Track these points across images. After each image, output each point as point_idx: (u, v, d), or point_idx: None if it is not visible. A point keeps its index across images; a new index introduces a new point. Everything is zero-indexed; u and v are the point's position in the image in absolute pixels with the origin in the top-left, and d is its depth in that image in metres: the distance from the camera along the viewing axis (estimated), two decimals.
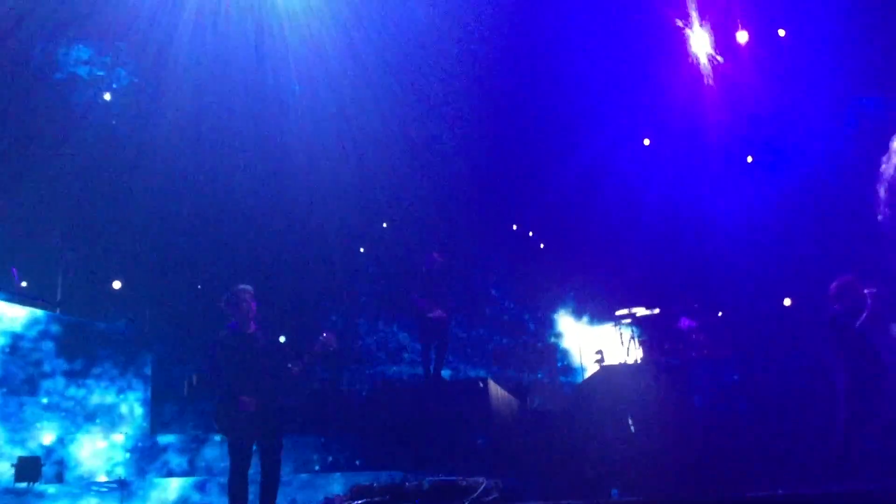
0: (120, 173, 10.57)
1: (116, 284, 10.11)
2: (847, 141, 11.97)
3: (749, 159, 13.17)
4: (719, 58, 12.47)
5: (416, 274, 10.31)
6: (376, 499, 5.36)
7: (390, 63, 11.82)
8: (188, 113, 10.66)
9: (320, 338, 7.03)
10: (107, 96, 10.78)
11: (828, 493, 6.27)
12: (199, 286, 11.10)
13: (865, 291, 7.39)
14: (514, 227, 14.22)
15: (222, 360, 6.75)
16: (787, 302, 11.93)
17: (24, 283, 9.47)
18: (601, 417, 9.24)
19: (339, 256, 12.52)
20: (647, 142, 13.66)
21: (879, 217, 11.48)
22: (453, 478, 5.83)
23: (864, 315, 7.29)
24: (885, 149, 11.93)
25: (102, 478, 8.11)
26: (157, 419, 9.27)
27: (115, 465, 8.30)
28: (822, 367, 8.04)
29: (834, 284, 7.59)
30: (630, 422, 8.93)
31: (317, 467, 9.14)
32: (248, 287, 7.04)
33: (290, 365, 6.94)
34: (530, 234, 14.29)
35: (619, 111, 12.89)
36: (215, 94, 10.83)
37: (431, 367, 10.28)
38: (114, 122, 10.84)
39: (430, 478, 5.82)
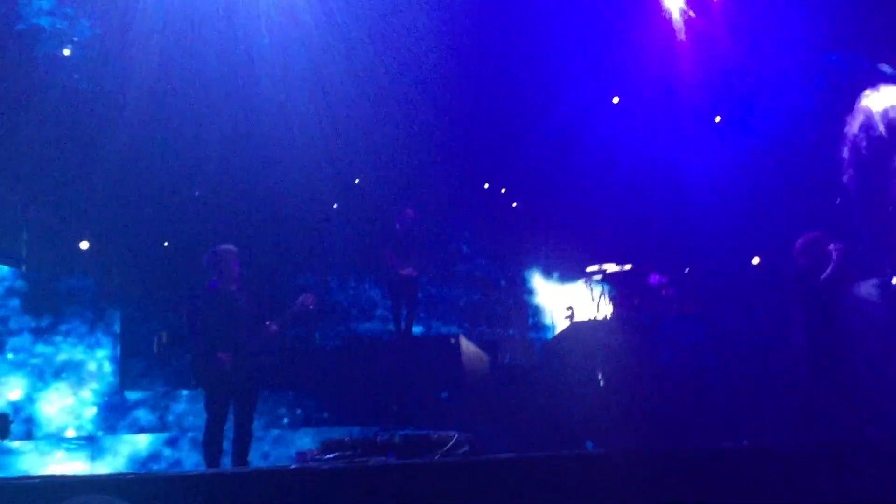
0: (85, 129, 10.36)
1: (84, 245, 9.95)
2: (814, 97, 12.01)
3: (717, 119, 13.18)
4: (691, 13, 12.43)
5: (388, 231, 10.29)
6: (348, 452, 5.38)
7: (361, 16, 11.63)
8: (155, 66, 10.44)
9: (299, 298, 7.09)
10: (67, 50, 10.51)
11: (790, 443, 6.40)
12: (166, 244, 10.98)
13: (831, 247, 7.48)
14: (486, 186, 14.16)
15: (202, 317, 6.77)
16: (755, 260, 12.04)
17: None
18: (571, 372, 9.32)
19: (310, 213, 12.43)
20: (616, 100, 13.62)
21: (844, 178, 11.59)
22: (424, 431, 5.86)
23: (829, 271, 7.39)
24: (852, 106, 12.02)
25: (71, 433, 8.08)
26: (127, 376, 9.22)
27: (85, 421, 8.27)
28: (787, 322, 8.16)
29: (800, 240, 7.69)
30: (599, 376, 9.02)
31: (288, 422, 9.17)
32: (232, 247, 7.07)
33: (268, 323, 6.99)
34: (503, 190, 14.26)
35: (591, 68, 12.82)
36: (183, 47, 10.60)
37: (402, 324, 10.31)
38: (76, 77, 10.58)
39: (402, 431, 5.84)
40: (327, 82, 11.77)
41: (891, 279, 8.02)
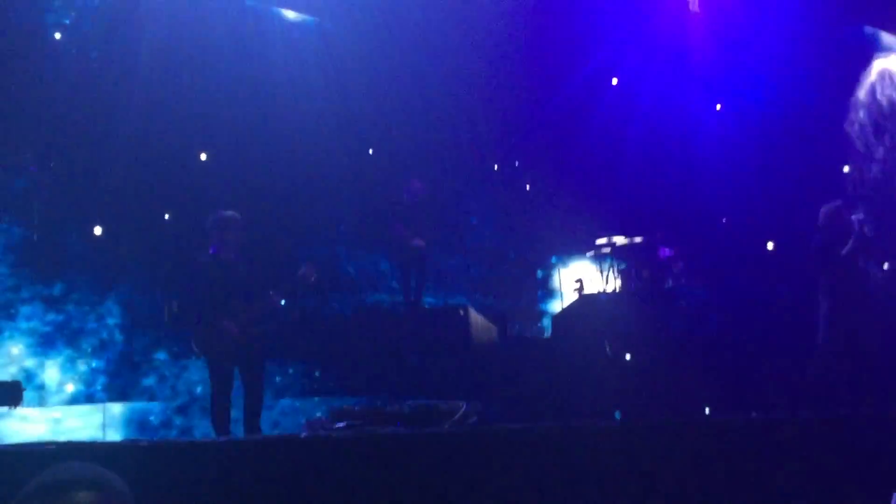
0: (95, 96, 10.34)
1: (97, 230, 9.88)
2: (827, 69, 11.89)
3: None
4: None
5: (396, 202, 10.28)
6: (357, 421, 5.41)
7: None
8: (164, 35, 10.39)
9: (300, 269, 7.06)
10: (75, 20, 10.45)
11: (800, 416, 6.41)
12: (176, 211, 10.99)
13: (853, 217, 7.42)
14: (496, 167, 14.08)
15: (202, 284, 6.72)
16: (770, 245, 11.94)
17: None
18: (580, 344, 9.34)
19: (320, 183, 12.42)
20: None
21: (857, 140, 11.50)
22: (434, 401, 5.89)
23: (851, 242, 7.33)
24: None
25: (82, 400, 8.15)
26: (139, 345, 9.28)
27: (97, 389, 8.34)
28: (802, 294, 8.13)
29: (822, 211, 7.62)
30: (607, 347, 9.03)
31: (299, 392, 9.22)
32: (237, 215, 6.98)
33: (270, 293, 6.96)
34: (516, 164, 14.19)
35: (603, 38, 12.71)
36: (194, 16, 10.56)
37: (412, 296, 10.34)
38: (85, 44, 10.53)
39: (411, 401, 5.88)
40: (338, 52, 11.71)
41: None
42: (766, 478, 5.43)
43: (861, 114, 12.08)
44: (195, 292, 6.78)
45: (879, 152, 11.71)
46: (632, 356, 8.86)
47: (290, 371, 9.35)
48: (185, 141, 10.69)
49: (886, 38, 12.41)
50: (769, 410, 7.42)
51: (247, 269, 6.96)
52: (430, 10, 12.08)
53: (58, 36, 9.98)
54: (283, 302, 7.57)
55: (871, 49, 12.43)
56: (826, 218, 7.55)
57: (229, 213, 6.99)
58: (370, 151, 12.50)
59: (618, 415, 8.26)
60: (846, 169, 11.80)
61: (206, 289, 6.72)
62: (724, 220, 12.58)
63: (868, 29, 12.50)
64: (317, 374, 9.46)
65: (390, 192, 10.69)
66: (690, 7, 12.39)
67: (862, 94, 12.10)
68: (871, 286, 7.71)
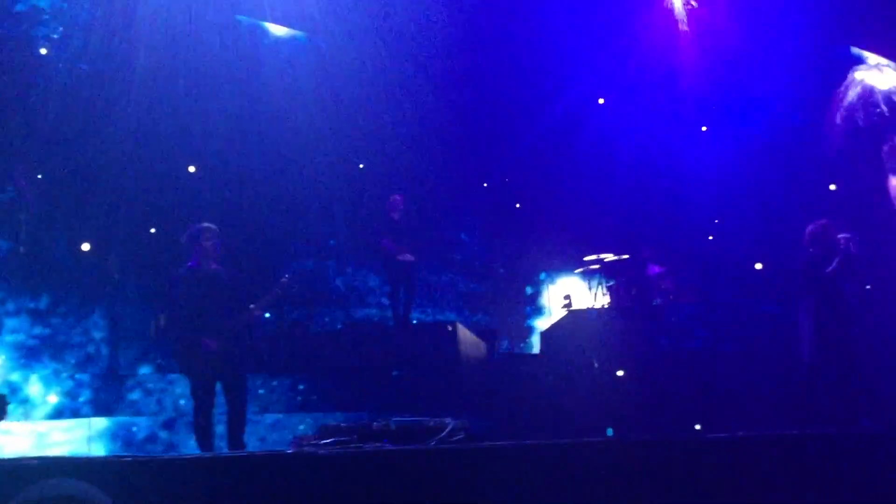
0: (84, 110, 10.33)
1: (86, 246, 9.82)
2: (814, 88, 11.99)
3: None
4: (693, 2, 12.38)
5: (383, 219, 10.30)
6: (344, 438, 5.39)
7: (364, 3, 11.59)
8: (155, 48, 10.40)
9: (280, 280, 7.02)
10: (66, 32, 10.44)
11: (784, 434, 6.41)
12: (163, 226, 10.95)
13: (840, 237, 7.46)
14: (485, 185, 14.10)
15: (181, 298, 6.66)
16: (758, 266, 11.97)
17: None
18: (568, 360, 9.33)
19: (310, 197, 12.43)
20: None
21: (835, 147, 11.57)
22: (421, 418, 5.86)
23: (837, 260, 7.37)
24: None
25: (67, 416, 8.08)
26: (125, 359, 9.22)
27: (82, 403, 8.28)
28: (788, 312, 8.15)
29: (808, 229, 7.66)
30: (595, 363, 9.03)
31: (286, 408, 9.17)
32: (213, 226, 6.92)
33: (251, 306, 6.90)
34: (506, 180, 14.21)
35: (592, 56, 12.77)
36: (184, 28, 10.56)
37: (401, 310, 10.34)
38: (75, 58, 10.52)
39: (398, 418, 5.85)
40: (329, 67, 11.75)
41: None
42: (755, 496, 5.43)
43: (843, 130, 12.19)
44: (174, 306, 6.72)
45: (864, 170, 11.80)
46: (620, 372, 8.86)
47: (277, 385, 9.30)
48: (175, 154, 10.68)
49: (871, 58, 12.52)
50: (757, 426, 7.43)
51: (227, 282, 6.88)
52: (421, 30, 12.15)
53: (44, 51, 9.96)
54: (266, 315, 7.49)
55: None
56: (811, 236, 7.60)
57: (205, 224, 6.93)
58: (360, 167, 12.51)
59: (610, 431, 8.25)
60: (832, 187, 11.87)
61: (185, 302, 6.65)
62: (710, 238, 12.63)
63: (854, 50, 12.61)
64: (301, 387, 9.41)
65: (379, 208, 10.72)
66: (679, 27, 12.48)
67: (843, 111, 12.21)
68: (854, 304, 7.75)
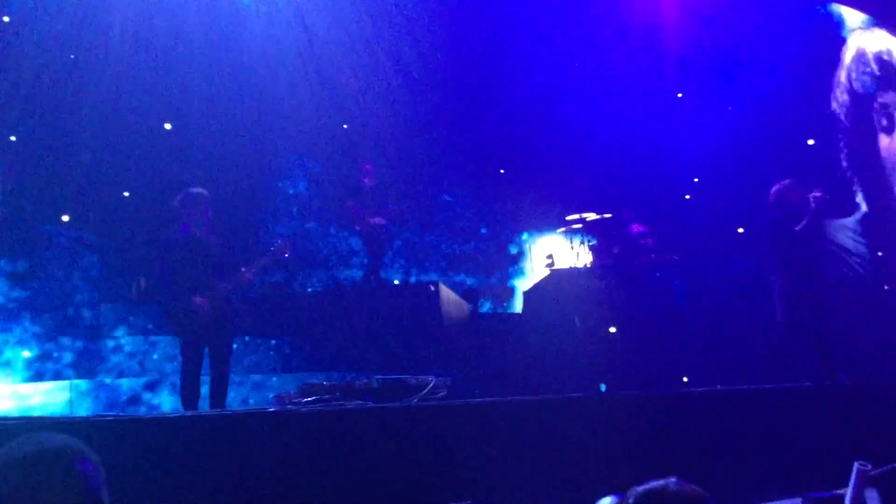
0: (63, 72, 10.18)
1: (65, 218, 9.72)
2: (797, 48, 11.98)
3: (679, 95, 13.10)
4: None
5: (353, 185, 10.29)
6: (326, 396, 5.42)
7: None
8: (140, 10, 10.25)
9: (275, 244, 7.09)
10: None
11: (762, 388, 6.52)
12: (144, 188, 10.88)
13: (811, 196, 7.49)
14: (468, 145, 14.03)
15: (173, 262, 6.74)
16: (740, 230, 12.02)
17: None
18: (550, 319, 9.39)
19: (293, 159, 12.37)
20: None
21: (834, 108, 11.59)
22: (403, 376, 5.90)
23: (805, 221, 7.41)
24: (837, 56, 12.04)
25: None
26: (106, 321, 9.19)
27: (64, 366, 8.27)
28: (762, 271, 8.22)
29: (773, 189, 7.70)
30: (577, 321, 9.09)
31: (269, 368, 9.20)
32: (204, 191, 7.02)
33: (242, 269, 6.97)
34: (488, 141, 14.16)
35: (573, 19, 12.69)
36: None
37: (371, 273, 10.39)
38: (54, 21, 10.33)
39: (380, 376, 5.89)
40: (312, 30, 11.62)
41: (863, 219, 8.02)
42: (734, 447, 5.52)
43: (838, 95, 12.25)
44: (167, 270, 6.79)
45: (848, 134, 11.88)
46: (602, 330, 8.93)
47: (261, 347, 9.32)
48: (155, 117, 10.58)
49: (853, 16, 12.52)
50: (734, 382, 7.54)
51: (218, 246, 6.97)
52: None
53: (6, 19, 9.77)
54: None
55: (840, 30, 12.56)
56: (776, 197, 7.65)
57: (197, 189, 7.00)
58: (344, 126, 12.43)
59: (603, 387, 8.34)
60: (810, 142, 11.94)
61: (179, 266, 6.73)
62: (687, 197, 12.69)
63: (836, 7, 12.59)
64: (287, 350, 9.44)
65: (349, 174, 10.73)
66: None
67: (841, 75, 12.25)
68: (822, 262, 7.84)
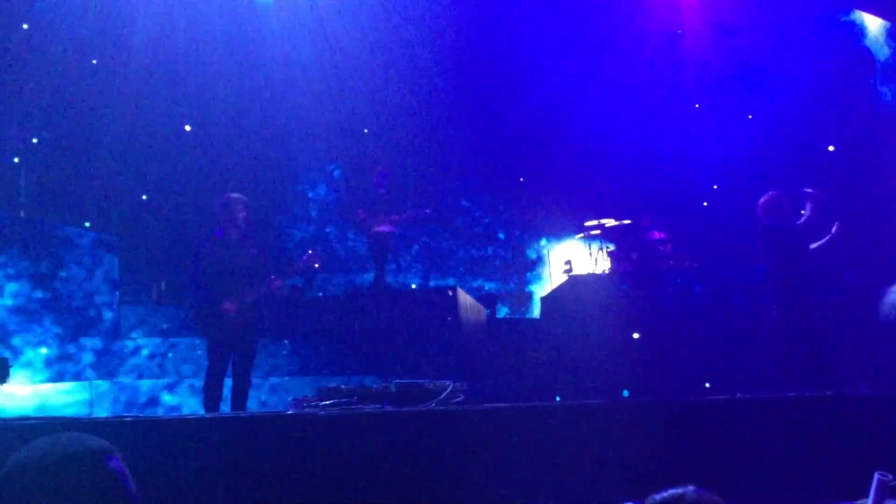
0: (87, 74, 10.30)
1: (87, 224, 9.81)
2: (820, 57, 11.91)
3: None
4: None
5: (363, 189, 10.26)
6: (343, 399, 5.43)
7: None
8: (161, 11, 10.35)
9: (305, 255, 7.17)
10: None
11: (782, 396, 6.47)
12: (166, 191, 10.97)
13: (808, 203, 7.53)
14: (487, 151, 14.02)
15: (207, 265, 6.83)
16: None
17: None
18: (568, 326, 9.37)
19: (312, 164, 12.43)
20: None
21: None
22: (420, 381, 5.90)
23: (797, 227, 7.46)
24: (860, 66, 11.96)
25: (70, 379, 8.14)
26: (126, 323, 9.26)
27: (84, 366, 8.33)
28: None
29: (761, 200, 7.72)
30: (596, 329, 9.06)
31: (287, 372, 9.23)
32: (242, 196, 7.13)
33: (272, 277, 7.03)
34: (507, 146, 14.16)
35: (596, 23, 12.68)
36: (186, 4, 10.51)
37: (379, 279, 10.34)
38: (80, 20, 10.44)
39: (398, 380, 5.89)
40: (333, 37, 11.68)
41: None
42: (753, 455, 5.48)
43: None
44: (200, 272, 6.88)
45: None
46: (620, 336, 8.90)
47: (279, 350, 9.35)
48: (175, 121, 10.66)
49: (873, 23, 12.42)
50: (755, 390, 7.48)
51: (251, 252, 7.05)
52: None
53: (25, 26, 9.88)
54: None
55: (861, 38, 12.46)
56: (764, 207, 7.66)
57: (235, 195, 7.12)
58: (365, 131, 12.48)
59: (626, 392, 8.32)
60: (831, 148, 11.85)
61: (211, 269, 6.85)
62: (705, 204, 12.64)
63: (858, 15, 12.50)
64: (304, 353, 9.47)
65: (361, 179, 10.71)
66: None
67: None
68: (815, 270, 7.82)
